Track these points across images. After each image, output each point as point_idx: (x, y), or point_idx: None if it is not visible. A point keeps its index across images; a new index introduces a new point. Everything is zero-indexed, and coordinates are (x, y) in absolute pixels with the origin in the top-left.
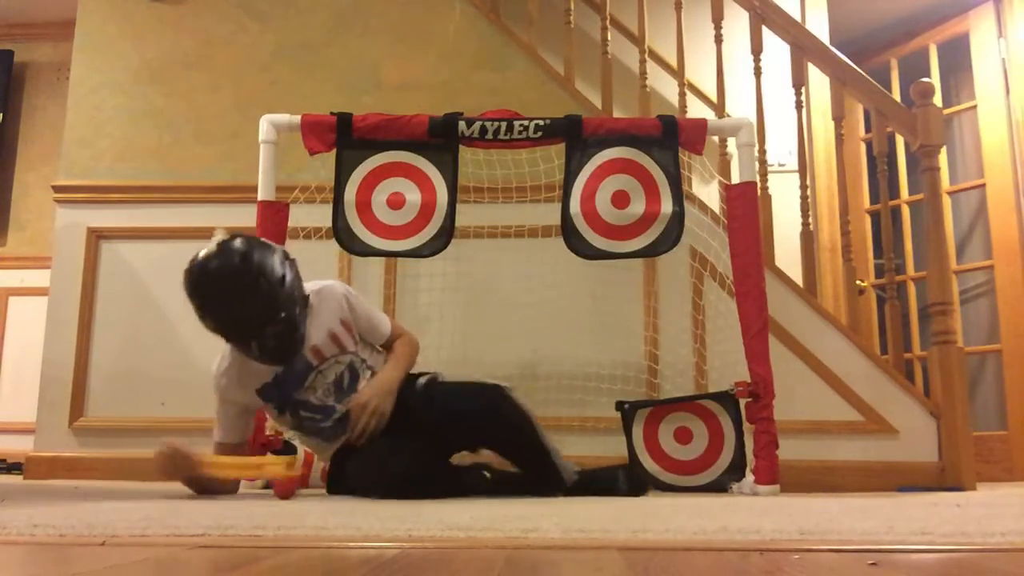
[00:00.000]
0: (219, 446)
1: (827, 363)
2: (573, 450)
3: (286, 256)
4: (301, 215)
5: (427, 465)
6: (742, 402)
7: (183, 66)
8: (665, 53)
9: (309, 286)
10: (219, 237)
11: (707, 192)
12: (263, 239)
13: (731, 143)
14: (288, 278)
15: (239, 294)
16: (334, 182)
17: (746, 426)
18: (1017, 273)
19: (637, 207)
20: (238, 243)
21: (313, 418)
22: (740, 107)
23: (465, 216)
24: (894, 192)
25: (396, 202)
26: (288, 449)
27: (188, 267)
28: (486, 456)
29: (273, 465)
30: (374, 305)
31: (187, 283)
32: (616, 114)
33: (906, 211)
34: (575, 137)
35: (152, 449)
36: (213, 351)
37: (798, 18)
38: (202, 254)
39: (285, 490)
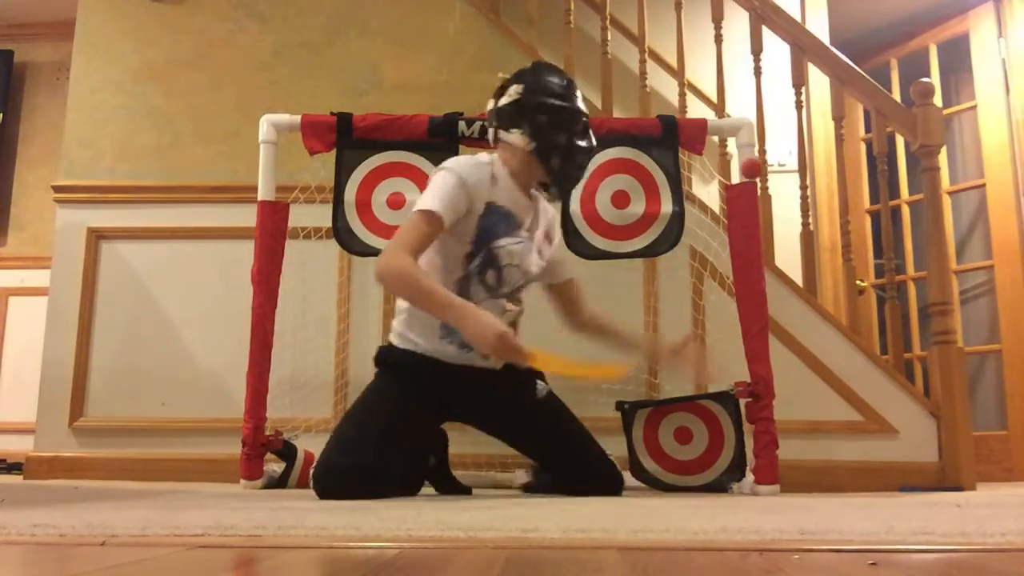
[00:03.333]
0: (434, 218)
1: (827, 363)
2: None
3: None
4: (301, 215)
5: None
6: (742, 402)
7: (183, 66)
8: (665, 53)
9: None
10: None
11: (707, 192)
12: None
13: (731, 143)
14: None
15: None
16: (334, 182)
17: (746, 426)
18: (1017, 273)
19: (637, 207)
20: None
21: (489, 286)
22: (740, 107)
23: None
24: (894, 192)
25: (396, 202)
26: (288, 449)
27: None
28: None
29: (602, 370)
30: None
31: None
32: (616, 114)
33: (906, 211)
34: None
35: (152, 449)
36: (213, 351)
37: (798, 18)
38: None
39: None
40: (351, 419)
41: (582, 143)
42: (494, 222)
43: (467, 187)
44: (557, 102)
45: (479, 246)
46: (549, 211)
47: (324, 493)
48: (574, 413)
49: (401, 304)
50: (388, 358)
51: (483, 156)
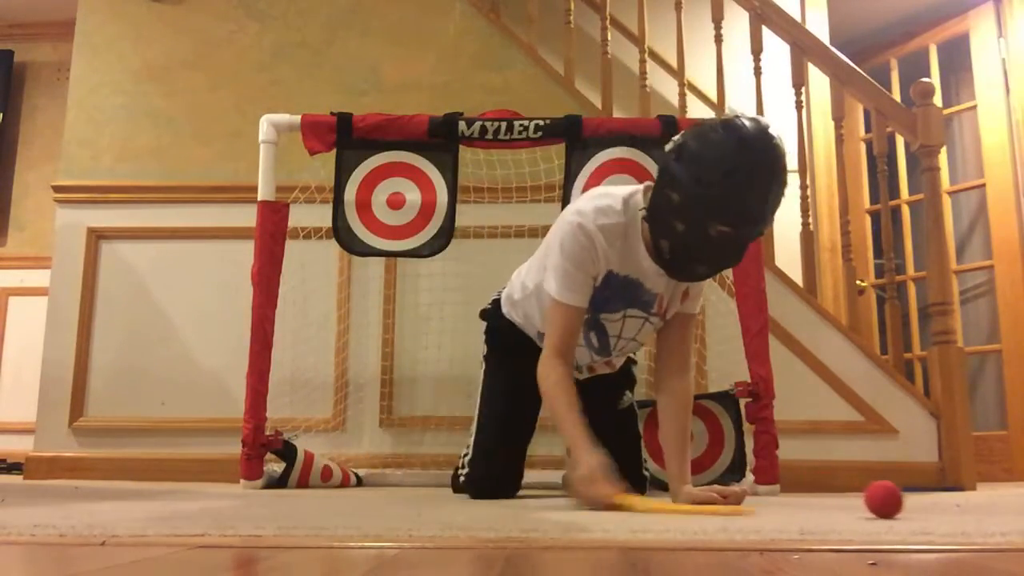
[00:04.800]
0: (572, 310)
1: (827, 363)
2: None
3: None
4: (301, 215)
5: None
6: (742, 402)
7: (183, 66)
8: (665, 53)
9: None
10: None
11: None
12: None
13: None
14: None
15: (780, 179)
16: (334, 182)
17: (746, 426)
18: (1017, 273)
19: None
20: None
21: (597, 343)
22: (740, 107)
23: (465, 216)
24: (894, 192)
25: (396, 202)
26: (288, 449)
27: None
28: None
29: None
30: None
31: (735, 143)
32: (616, 114)
33: (906, 211)
34: (575, 137)
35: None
36: (213, 351)
37: (798, 18)
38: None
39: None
40: (483, 419)
41: (712, 251)
42: (606, 297)
43: (594, 256)
44: (707, 190)
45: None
46: None
47: (477, 495)
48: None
49: (520, 275)
50: (497, 323)
51: (620, 196)
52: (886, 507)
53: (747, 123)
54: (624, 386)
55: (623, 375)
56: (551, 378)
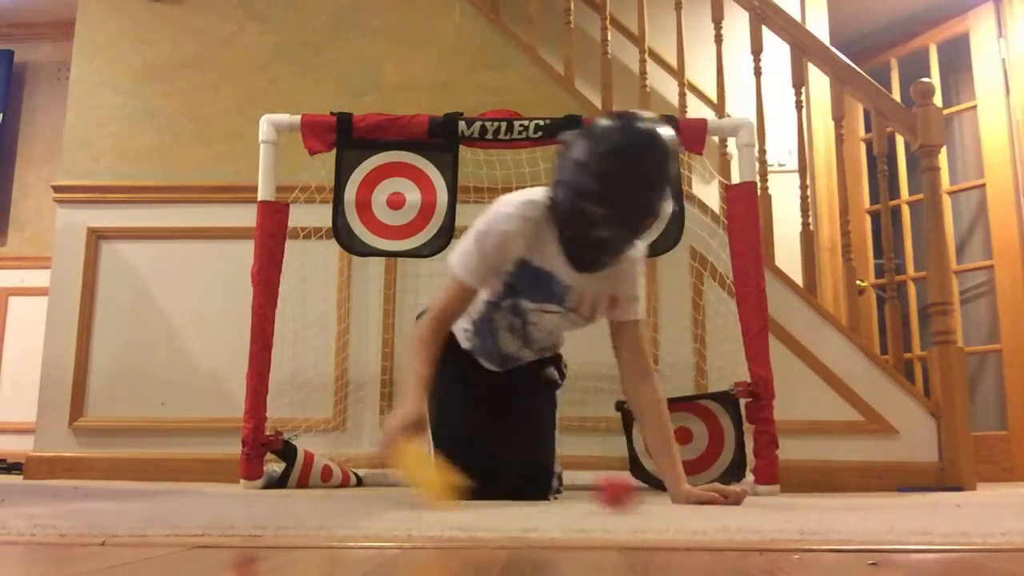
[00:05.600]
0: (460, 285)
1: (827, 363)
2: (573, 450)
3: None
4: (301, 215)
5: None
6: (742, 402)
7: (183, 66)
8: (665, 53)
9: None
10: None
11: (707, 192)
12: None
13: (731, 143)
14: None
15: (661, 171)
16: (334, 182)
17: (746, 426)
18: (1017, 273)
19: None
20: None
21: (518, 331)
22: (740, 107)
23: (465, 216)
24: (894, 192)
25: (396, 202)
26: (288, 449)
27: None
28: None
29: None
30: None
31: (609, 140)
32: None
33: (906, 211)
34: None
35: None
36: (213, 351)
37: (798, 18)
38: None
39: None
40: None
41: (599, 238)
42: (522, 287)
43: (504, 244)
44: (584, 171)
45: (503, 298)
46: (626, 271)
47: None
48: (560, 414)
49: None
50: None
51: (544, 191)
52: (614, 500)
53: (633, 116)
54: (549, 364)
55: (551, 360)
56: (418, 336)
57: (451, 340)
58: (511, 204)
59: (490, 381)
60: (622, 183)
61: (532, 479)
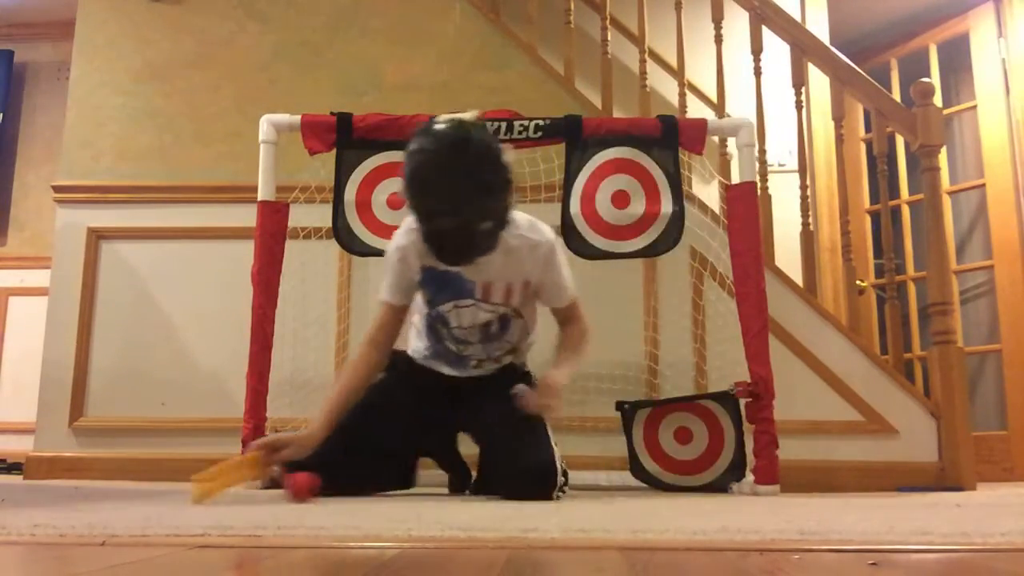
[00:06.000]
0: (385, 306)
1: (827, 363)
2: (573, 450)
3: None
4: (301, 215)
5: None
6: (742, 402)
7: (183, 66)
8: (665, 53)
9: (521, 222)
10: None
11: (707, 192)
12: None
13: (731, 143)
14: (508, 190)
15: (468, 167)
16: (334, 182)
17: (746, 426)
18: (1017, 273)
19: (637, 207)
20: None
21: (449, 334)
22: (740, 107)
23: None
24: (894, 192)
25: (396, 202)
26: None
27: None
28: None
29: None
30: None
31: (419, 142)
32: (616, 114)
33: (906, 211)
34: (575, 137)
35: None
36: (213, 351)
37: (798, 18)
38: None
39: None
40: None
41: (437, 235)
42: (433, 291)
43: (404, 258)
44: (407, 180)
45: (429, 306)
46: (527, 257)
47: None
48: (551, 416)
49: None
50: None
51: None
52: (299, 493)
53: (436, 118)
54: (515, 382)
55: (514, 376)
56: (350, 360)
57: (406, 359)
58: (404, 224)
59: (452, 393)
60: (420, 177)
61: (528, 477)
